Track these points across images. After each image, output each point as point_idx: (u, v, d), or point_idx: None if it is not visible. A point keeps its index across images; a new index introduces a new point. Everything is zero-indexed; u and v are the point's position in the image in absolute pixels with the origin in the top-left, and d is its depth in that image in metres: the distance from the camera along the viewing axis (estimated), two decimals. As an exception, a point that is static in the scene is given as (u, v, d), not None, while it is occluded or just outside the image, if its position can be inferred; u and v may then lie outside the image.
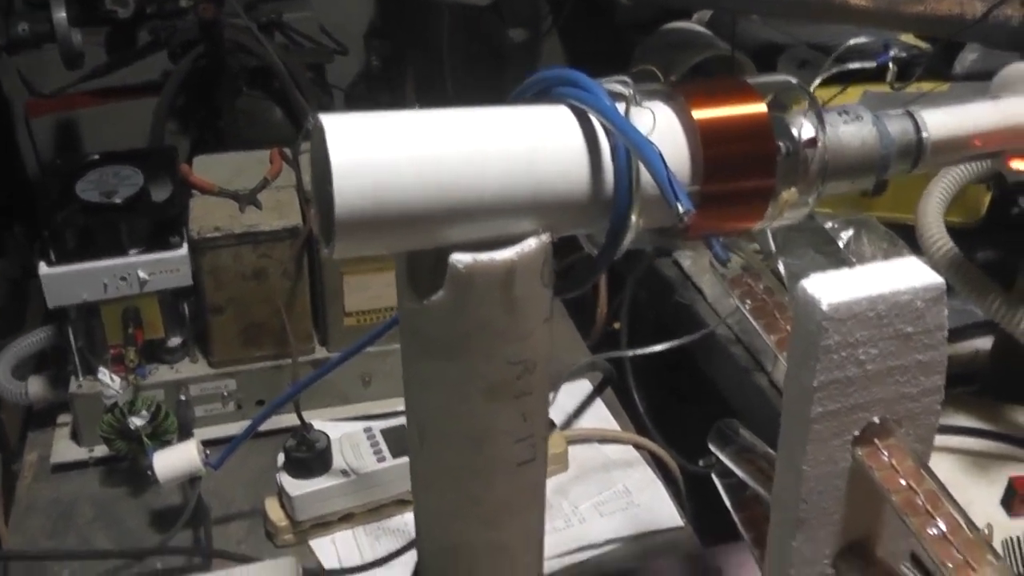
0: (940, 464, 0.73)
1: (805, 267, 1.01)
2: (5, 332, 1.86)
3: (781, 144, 0.63)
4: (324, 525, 0.96)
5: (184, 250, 1.02)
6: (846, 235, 1.03)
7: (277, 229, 1.02)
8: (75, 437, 1.10)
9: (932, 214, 0.90)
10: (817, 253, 1.03)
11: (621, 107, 0.58)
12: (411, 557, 0.95)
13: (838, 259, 1.03)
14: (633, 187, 0.57)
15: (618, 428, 1.07)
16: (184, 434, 1.03)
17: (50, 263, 1.01)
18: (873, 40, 1.16)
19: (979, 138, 0.70)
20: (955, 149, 0.70)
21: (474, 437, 0.60)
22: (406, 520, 0.97)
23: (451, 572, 0.68)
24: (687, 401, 1.09)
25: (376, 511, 0.98)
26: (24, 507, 1.06)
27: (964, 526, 0.51)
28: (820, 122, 0.65)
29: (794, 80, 0.69)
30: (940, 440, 0.60)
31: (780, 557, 0.59)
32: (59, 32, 1.43)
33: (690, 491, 1.01)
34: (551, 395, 1.03)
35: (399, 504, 0.98)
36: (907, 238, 1.01)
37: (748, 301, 0.70)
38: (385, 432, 0.98)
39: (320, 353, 1.10)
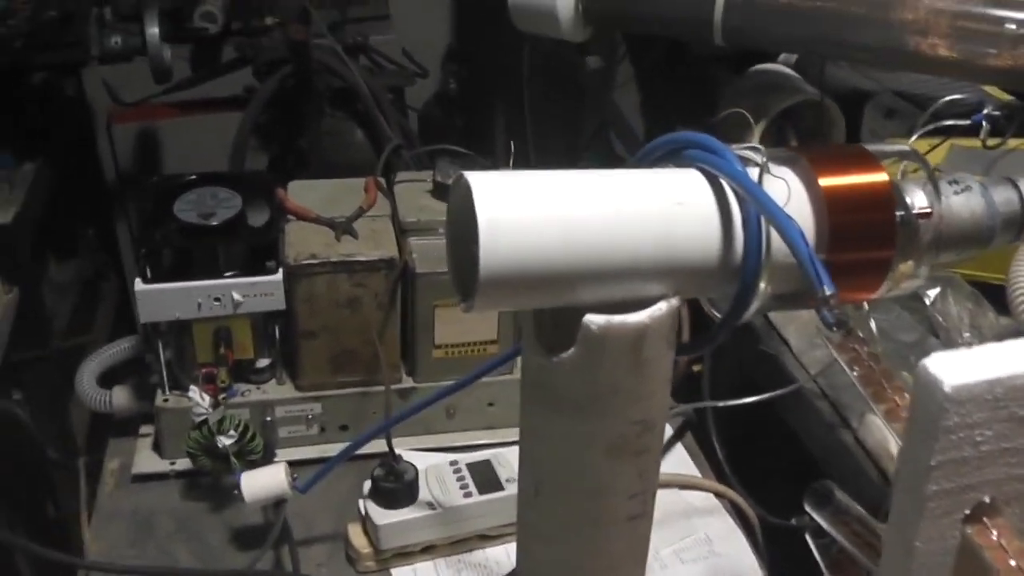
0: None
1: (893, 324, 1.01)
2: (77, 332, 1.90)
3: (898, 214, 0.63)
4: (406, 555, 0.97)
5: (279, 275, 1.03)
6: (932, 293, 1.03)
7: (374, 260, 1.04)
8: (157, 449, 1.12)
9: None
10: (903, 310, 1.04)
11: (752, 173, 0.59)
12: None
13: (924, 316, 1.03)
14: (763, 255, 0.58)
15: (698, 474, 1.08)
16: (268, 454, 1.04)
17: (146, 280, 1.02)
18: (967, 95, 1.16)
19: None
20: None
21: (591, 492, 0.61)
22: (487, 555, 0.98)
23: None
24: (767, 450, 1.09)
25: (458, 544, 0.99)
26: (106, 514, 1.08)
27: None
28: (936, 193, 0.65)
29: (910, 148, 0.69)
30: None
31: (888, 628, 0.59)
32: (151, 47, 1.46)
33: (766, 542, 1.01)
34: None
35: (481, 538, 0.99)
36: (992, 297, 1.01)
37: (856, 369, 0.70)
38: (471, 467, 0.99)
39: (407, 383, 1.12)
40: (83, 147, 1.90)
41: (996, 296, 0.95)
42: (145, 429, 1.15)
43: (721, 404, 1.01)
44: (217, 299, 1.03)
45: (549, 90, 1.68)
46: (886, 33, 1.02)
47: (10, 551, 0.96)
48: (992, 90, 1.28)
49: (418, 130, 1.78)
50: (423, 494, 0.97)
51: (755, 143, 0.67)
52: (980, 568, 0.56)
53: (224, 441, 1.00)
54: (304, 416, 1.09)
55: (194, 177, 1.11)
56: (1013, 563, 0.55)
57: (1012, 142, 1.13)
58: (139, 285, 1.03)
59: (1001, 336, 0.97)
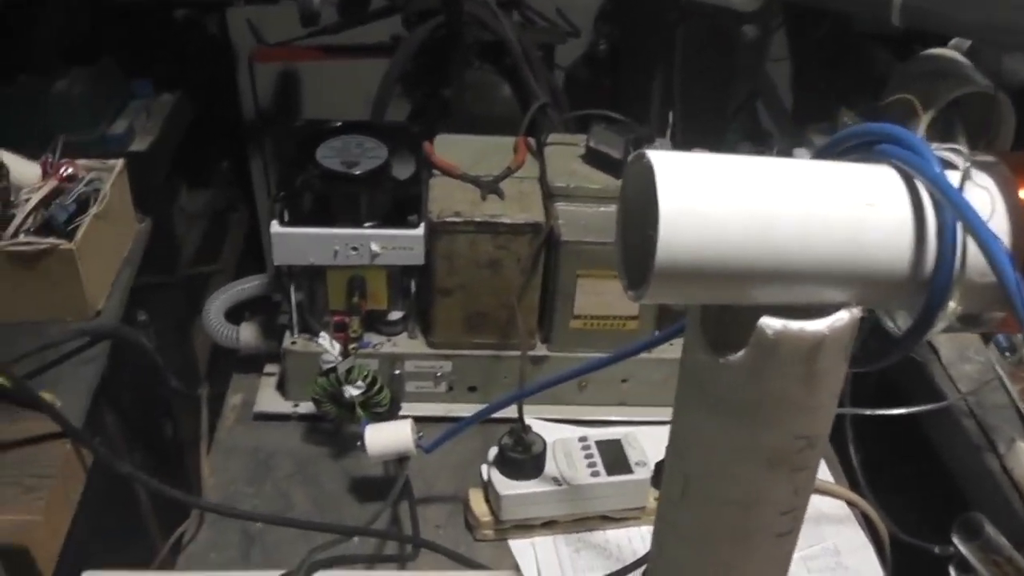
0: None
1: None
2: (204, 261, 1.94)
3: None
4: (526, 527, 0.96)
5: (421, 230, 1.02)
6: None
7: (519, 223, 1.01)
8: (281, 389, 1.13)
9: None
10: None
11: (952, 178, 0.54)
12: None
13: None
14: (957, 270, 0.53)
15: (831, 479, 1.03)
16: (394, 408, 1.03)
17: (283, 222, 1.02)
18: None
19: None
20: None
21: (743, 503, 0.58)
22: (608, 537, 0.96)
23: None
24: (904, 463, 1.04)
25: (579, 522, 0.97)
26: (225, 448, 1.09)
27: None
28: None
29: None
30: None
31: None
32: (301, -9, 1.45)
33: (894, 560, 0.96)
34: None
35: (603, 519, 0.97)
36: None
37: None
38: (600, 445, 0.96)
39: (540, 350, 1.09)
40: (223, 83, 1.93)
41: None
42: (269, 368, 1.16)
43: (867, 412, 0.96)
44: (355, 248, 1.02)
45: (701, 57, 1.62)
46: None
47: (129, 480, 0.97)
48: None
49: (563, 89, 1.74)
50: (549, 468, 0.95)
51: (921, 133, 0.62)
52: None
53: (351, 391, 0.99)
54: (433, 373, 1.08)
55: (340, 124, 1.10)
56: None
57: None
58: (275, 227, 1.02)
59: None
